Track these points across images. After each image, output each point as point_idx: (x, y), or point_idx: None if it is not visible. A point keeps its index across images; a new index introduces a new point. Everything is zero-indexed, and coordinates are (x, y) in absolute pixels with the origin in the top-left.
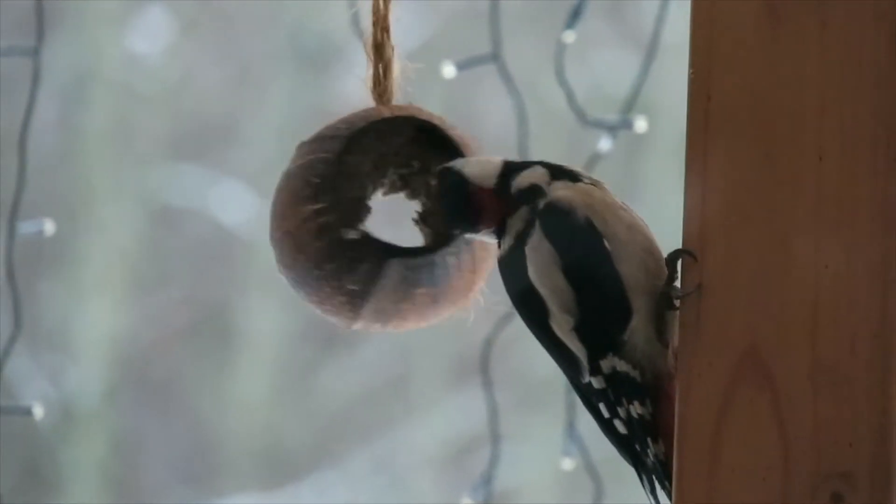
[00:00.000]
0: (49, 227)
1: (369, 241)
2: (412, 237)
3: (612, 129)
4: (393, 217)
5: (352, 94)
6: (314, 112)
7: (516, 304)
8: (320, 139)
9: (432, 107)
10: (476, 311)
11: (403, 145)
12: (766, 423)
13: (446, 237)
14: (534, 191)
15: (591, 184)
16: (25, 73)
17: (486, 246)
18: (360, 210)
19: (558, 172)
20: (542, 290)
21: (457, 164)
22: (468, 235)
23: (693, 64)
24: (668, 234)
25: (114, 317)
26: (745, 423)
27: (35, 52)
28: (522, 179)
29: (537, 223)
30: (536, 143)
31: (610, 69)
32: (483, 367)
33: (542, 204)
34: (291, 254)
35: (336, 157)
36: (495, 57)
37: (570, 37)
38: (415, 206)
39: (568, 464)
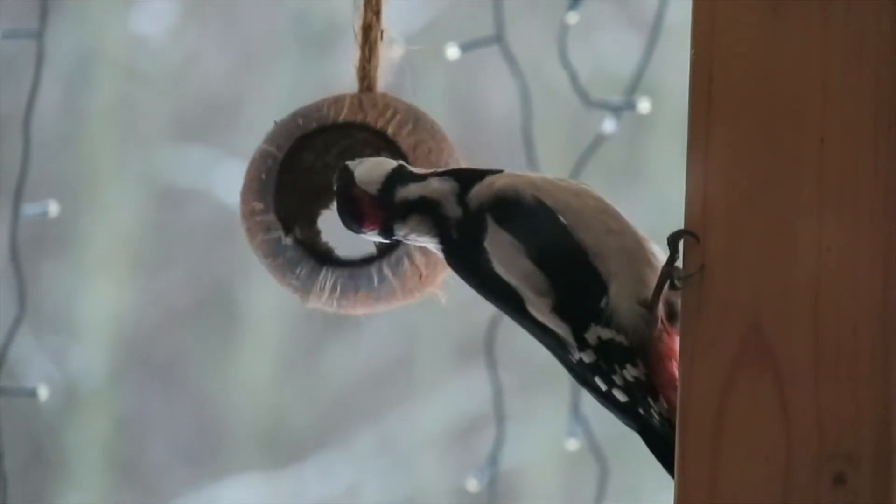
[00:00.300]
0: (53, 208)
1: (305, 248)
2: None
3: (615, 111)
4: None
5: (355, 76)
6: (318, 93)
7: (492, 300)
8: (280, 130)
9: (436, 88)
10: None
11: (370, 139)
12: (768, 404)
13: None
14: (426, 203)
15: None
16: (29, 56)
17: (429, 257)
18: (321, 199)
19: (472, 178)
20: (512, 281)
21: (353, 163)
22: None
23: (695, 46)
24: (670, 215)
25: (118, 298)
26: (748, 404)
27: (38, 35)
28: (410, 191)
29: (488, 217)
30: (540, 125)
31: (613, 50)
32: (488, 347)
33: (486, 197)
34: (248, 238)
35: (284, 156)
36: (499, 38)
37: (573, 18)
38: None
39: (573, 444)
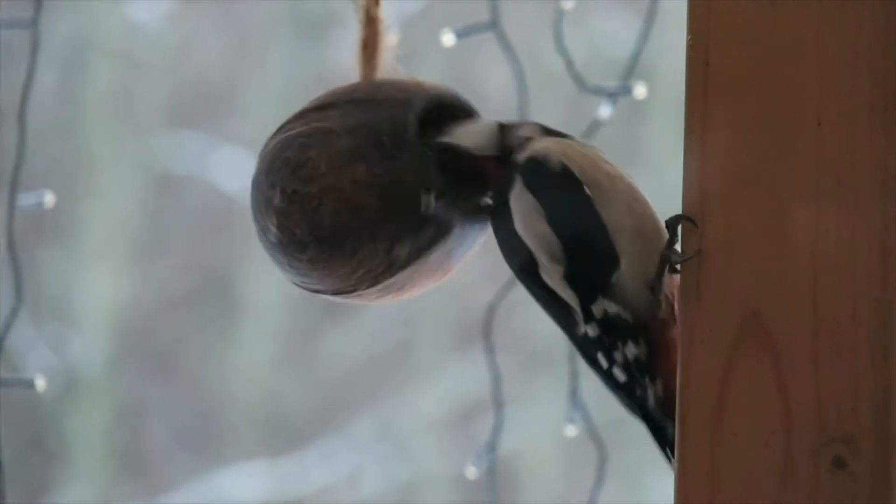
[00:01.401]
0: (49, 198)
1: (440, 209)
2: None
3: (611, 96)
4: None
5: (352, 62)
6: (314, 78)
7: (508, 259)
8: (371, 102)
9: (432, 74)
10: (478, 276)
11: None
12: (767, 388)
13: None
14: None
15: (580, 142)
16: (24, 45)
17: None
18: (430, 183)
19: (545, 131)
20: (529, 241)
21: (453, 137)
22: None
23: (691, 30)
24: (668, 200)
25: (116, 285)
26: (747, 389)
27: (33, 24)
28: (517, 136)
29: (517, 176)
30: (536, 111)
31: (609, 34)
32: (486, 333)
33: (521, 158)
34: (334, 211)
35: (404, 123)
36: (494, 25)
37: (568, 3)
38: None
39: (571, 430)
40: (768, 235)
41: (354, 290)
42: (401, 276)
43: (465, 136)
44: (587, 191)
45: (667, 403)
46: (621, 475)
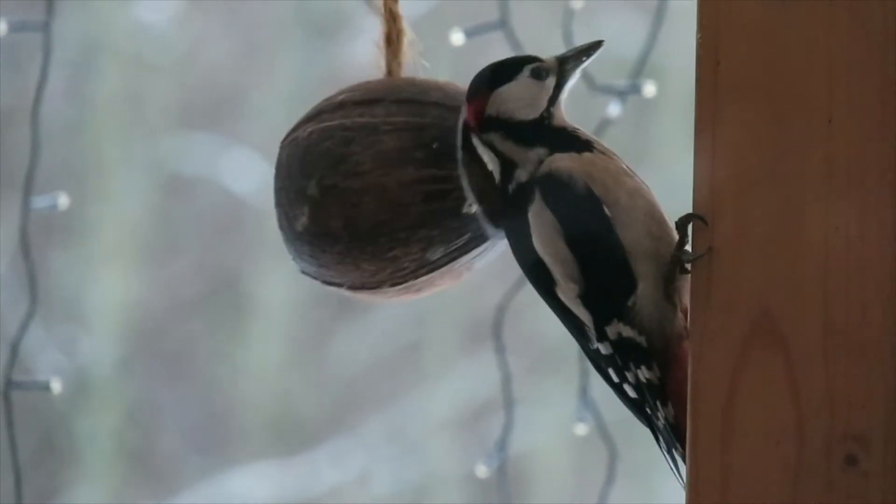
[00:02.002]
0: (63, 200)
1: (476, 218)
2: None
3: (620, 95)
4: None
5: (361, 61)
6: (323, 79)
7: (524, 270)
8: (418, 103)
9: (441, 73)
10: (488, 277)
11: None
12: (779, 386)
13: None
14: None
15: (602, 152)
16: (36, 48)
17: None
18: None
19: (571, 142)
20: (547, 259)
21: (492, 109)
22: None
23: (701, 29)
24: (678, 199)
25: (126, 287)
26: (758, 387)
27: (45, 27)
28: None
29: (537, 190)
30: None
31: (618, 33)
32: (496, 333)
33: (542, 171)
34: (375, 208)
35: (453, 128)
36: (503, 24)
37: (577, 3)
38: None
39: (581, 429)
40: (779, 234)
41: (377, 288)
42: (429, 278)
43: (506, 99)
44: (607, 212)
45: (677, 427)
46: (632, 474)
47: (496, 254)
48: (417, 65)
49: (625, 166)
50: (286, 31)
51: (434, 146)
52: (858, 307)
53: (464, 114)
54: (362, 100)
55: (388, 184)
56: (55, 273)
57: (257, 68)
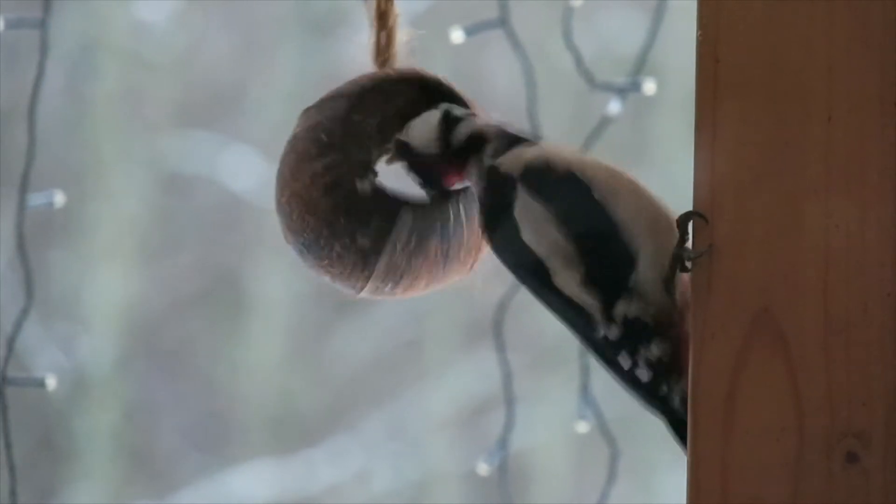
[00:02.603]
0: (59, 198)
1: (381, 193)
2: None
3: (620, 92)
4: None
5: (358, 59)
6: (322, 77)
7: (516, 274)
8: (327, 100)
9: (440, 72)
10: (489, 273)
11: (405, 106)
12: (779, 383)
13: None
14: (474, 139)
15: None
16: (33, 46)
17: None
18: (367, 172)
19: (512, 137)
20: (541, 251)
21: (401, 135)
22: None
23: (701, 26)
24: (678, 196)
25: (125, 285)
26: (759, 384)
27: (42, 25)
28: (459, 133)
29: (519, 186)
30: (545, 108)
31: (618, 31)
32: (496, 331)
33: (513, 170)
34: (300, 216)
35: (344, 114)
36: (503, 21)
37: (577, 1)
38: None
39: (582, 427)
40: (779, 231)
41: (363, 286)
42: (389, 263)
43: (412, 130)
44: (595, 193)
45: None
46: (633, 471)
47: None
48: (411, 63)
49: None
50: (285, 29)
51: (323, 139)
52: (859, 304)
53: (356, 100)
54: (306, 108)
55: (299, 189)
56: (54, 271)
57: (256, 66)
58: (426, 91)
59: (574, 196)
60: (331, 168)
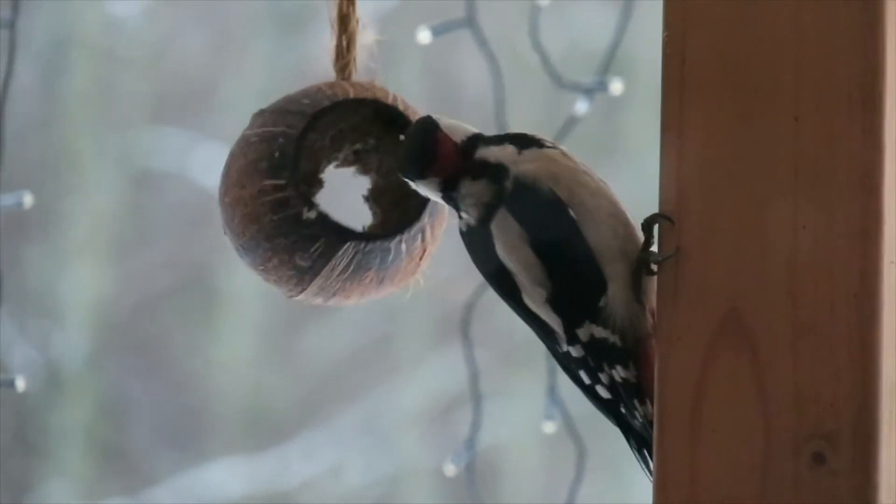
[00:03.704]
0: (28, 199)
1: (325, 222)
2: (354, 214)
3: (587, 92)
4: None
5: (321, 60)
6: (294, 73)
7: (487, 279)
8: (282, 112)
9: (408, 72)
10: (458, 272)
11: (361, 122)
12: (746, 385)
13: (395, 218)
14: (499, 169)
15: (553, 148)
16: (2, 45)
17: (434, 234)
18: (313, 185)
19: (525, 143)
20: (512, 266)
21: (437, 115)
22: (418, 187)
23: (667, 27)
24: (646, 197)
25: (97, 281)
26: (726, 386)
27: (11, 25)
28: (491, 153)
29: (502, 202)
30: (513, 107)
31: (586, 28)
32: (464, 330)
33: (508, 183)
34: (242, 222)
35: (299, 134)
36: (470, 21)
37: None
38: (365, 183)
39: (549, 427)
40: (746, 232)
41: (296, 295)
42: (323, 284)
43: (446, 117)
44: (573, 215)
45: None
46: (600, 469)
47: (398, 258)
48: (370, 69)
49: (581, 164)
50: (257, 26)
51: (276, 155)
52: (826, 305)
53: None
54: (262, 110)
55: (245, 196)
56: (26, 268)
57: (228, 63)
58: (381, 110)
59: (550, 217)
60: (280, 188)
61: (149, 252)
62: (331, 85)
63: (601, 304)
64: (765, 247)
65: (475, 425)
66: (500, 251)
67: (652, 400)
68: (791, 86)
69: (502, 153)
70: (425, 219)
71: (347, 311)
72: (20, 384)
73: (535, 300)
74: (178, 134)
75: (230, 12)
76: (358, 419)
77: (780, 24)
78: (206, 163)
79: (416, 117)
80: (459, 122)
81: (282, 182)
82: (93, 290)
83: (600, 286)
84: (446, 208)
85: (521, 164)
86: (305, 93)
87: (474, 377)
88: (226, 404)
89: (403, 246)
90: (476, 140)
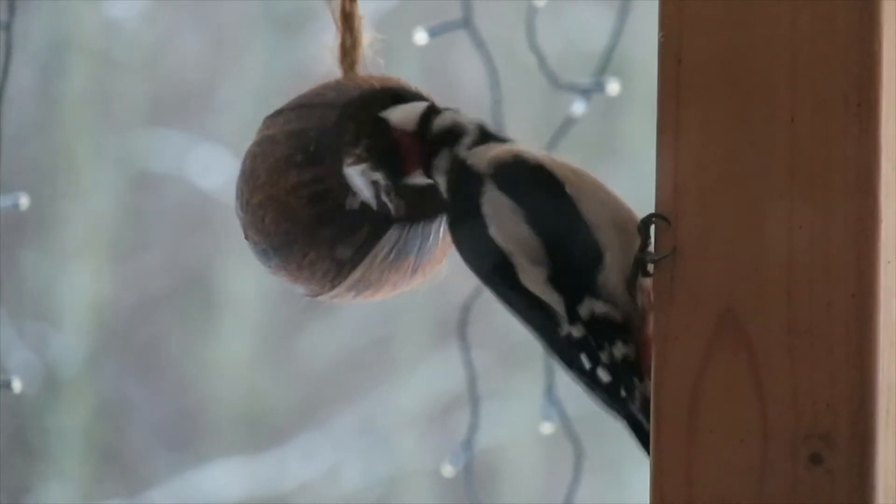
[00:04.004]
0: (24, 201)
1: (369, 209)
2: None
3: (584, 93)
4: None
5: (323, 59)
6: (291, 74)
7: (480, 272)
8: (308, 107)
9: (406, 73)
10: (456, 272)
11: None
12: (743, 385)
13: (424, 205)
14: (454, 131)
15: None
16: None
17: None
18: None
19: (487, 133)
20: (508, 246)
21: (385, 112)
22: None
23: (663, 27)
24: (643, 197)
25: (95, 283)
26: (723, 386)
27: (7, 28)
28: (443, 119)
29: (487, 181)
30: (509, 108)
31: (583, 29)
32: (461, 331)
33: (480, 166)
34: (274, 220)
35: (332, 126)
36: (467, 22)
37: (541, 1)
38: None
39: (547, 428)
40: (742, 232)
41: (325, 292)
42: (362, 275)
43: (395, 111)
44: (566, 189)
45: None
46: (598, 471)
47: (446, 244)
48: (376, 65)
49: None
50: (254, 28)
51: (311, 148)
52: (823, 306)
53: (344, 108)
54: (276, 111)
55: (278, 193)
56: (24, 270)
57: (225, 64)
58: (400, 100)
59: (544, 192)
60: (319, 179)
61: (146, 254)
62: (350, 78)
63: (600, 278)
64: (761, 247)
65: (473, 426)
66: (494, 232)
67: (650, 376)
68: (787, 87)
69: (456, 115)
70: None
71: (345, 313)
72: (17, 386)
73: (535, 280)
74: (176, 136)
75: (227, 14)
76: (356, 421)
77: (776, 26)
78: (204, 164)
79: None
80: (407, 106)
81: (323, 173)
82: (90, 292)
83: (597, 261)
84: None
85: (492, 149)
86: (326, 87)
87: (472, 378)
88: (223, 406)
89: (442, 229)
90: (429, 115)
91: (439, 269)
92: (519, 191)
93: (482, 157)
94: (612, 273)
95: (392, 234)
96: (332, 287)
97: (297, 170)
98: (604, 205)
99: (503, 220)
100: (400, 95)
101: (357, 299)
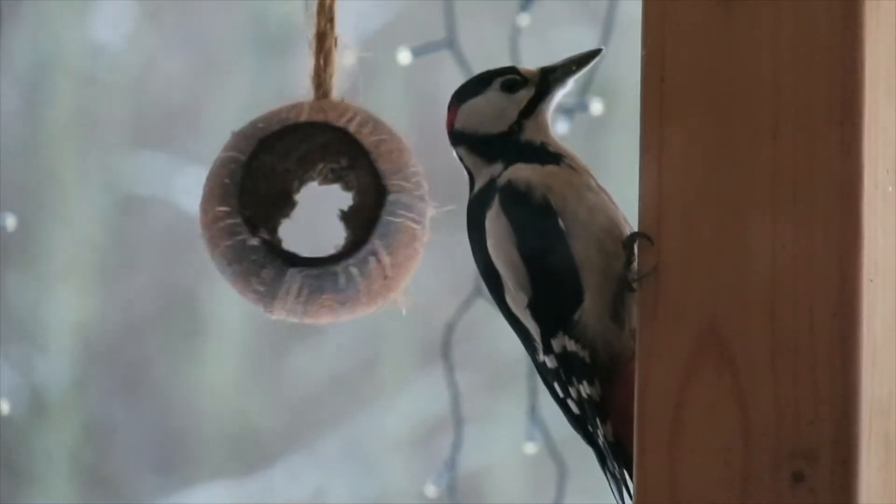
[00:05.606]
0: (11, 222)
1: (270, 249)
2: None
3: (568, 112)
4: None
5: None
6: (276, 96)
7: (480, 272)
8: (240, 136)
9: (390, 92)
10: (439, 294)
11: (330, 143)
12: (726, 402)
13: (360, 241)
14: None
15: (570, 167)
16: None
17: (405, 252)
18: (280, 207)
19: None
20: (499, 265)
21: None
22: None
23: (646, 45)
24: (627, 215)
25: (81, 306)
26: (705, 403)
27: None
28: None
29: (496, 196)
30: None
31: (567, 47)
32: (445, 352)
33: (501, 180)
34: (209, 247)
35: (247, 159)
36: (450, 42)
37: (524, 20)
38: (347, 200)
39: (531, 448)
40: (726, 250)
41: (270, 313)
42: (290, 307)
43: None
44: (562, 224)
45: (618, 446)
46: (581, 490)
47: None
48: (355, 86)
49: (593, 183)
50: (239, 50)
51: (226, 182)
52: (806, 323)
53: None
54: (232, 133)
55: (207, 222)
56: (9, 293)
57: (211, 86)
58: (339, 136)
59: (540, 223)
60: (228, 215)
61: (132, 276)
62: (292, 107)
63: (576, 316)
64: (744, 264)
65: (456, 446)
66: (490, 248)
67: (616, 420)
68: (770, 105)
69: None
70: (374, 242)
71: (331, 335)
72: (4, 408)
73: (517, 304)
74: (162, 158)
75: (212, 36)
76: (341, 443)
77: (758, 43)
78: (190, 187)
79: (374, 138)
80: (477, 104)
81: (228, 209)
82: (76, 314)
83: (577, 298)
84: (403, 229)
85: (519, 169)
86: (266, 115)
87: (456, 401)
88: (210, 428)
89: (354, 270)
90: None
91: (392, 298)
92: (517, 217)
93: (506, 174)
94: (589, 315)
95: (294, 276)
96: (272, 312)
97: (216, 202)
98: (602, 251)
99: (498, 239)
100: (329, 128)
101: (306, 321)
